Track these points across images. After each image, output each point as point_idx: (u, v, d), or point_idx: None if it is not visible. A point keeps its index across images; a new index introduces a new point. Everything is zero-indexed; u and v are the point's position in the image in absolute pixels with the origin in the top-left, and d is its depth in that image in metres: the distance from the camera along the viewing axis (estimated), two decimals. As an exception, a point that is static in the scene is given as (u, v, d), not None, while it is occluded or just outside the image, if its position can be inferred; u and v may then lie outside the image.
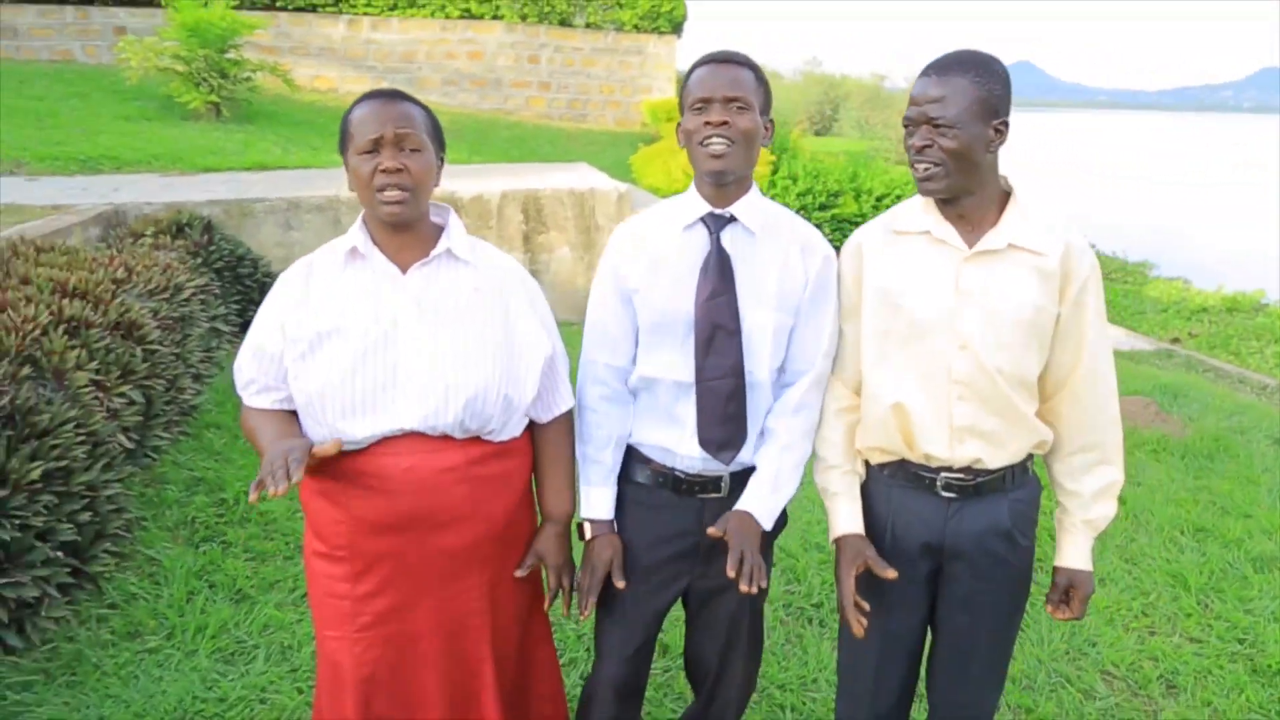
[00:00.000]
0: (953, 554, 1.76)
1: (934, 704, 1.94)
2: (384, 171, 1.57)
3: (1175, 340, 11.92)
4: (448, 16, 12.76)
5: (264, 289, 5.58)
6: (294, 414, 1.67)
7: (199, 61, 9.55)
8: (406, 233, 1.65)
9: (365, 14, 12.58)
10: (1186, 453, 4.73)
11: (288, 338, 1.61)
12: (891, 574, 1.71)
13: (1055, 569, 1.81)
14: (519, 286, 1.74)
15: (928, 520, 1.75)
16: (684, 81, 1.71)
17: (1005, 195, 1.70)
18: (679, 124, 1.74)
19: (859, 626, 1.71)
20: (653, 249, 1.76)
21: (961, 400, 1.68)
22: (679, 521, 1.80)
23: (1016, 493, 1.76)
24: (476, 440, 1.66)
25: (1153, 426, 5.02)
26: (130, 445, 3.33)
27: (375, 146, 1.57)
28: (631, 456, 1.85)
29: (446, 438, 1.62)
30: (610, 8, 13.45)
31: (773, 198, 8.95)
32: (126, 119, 9.06)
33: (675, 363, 1.74)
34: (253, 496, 1.39)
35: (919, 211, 1.72)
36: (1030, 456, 1.79)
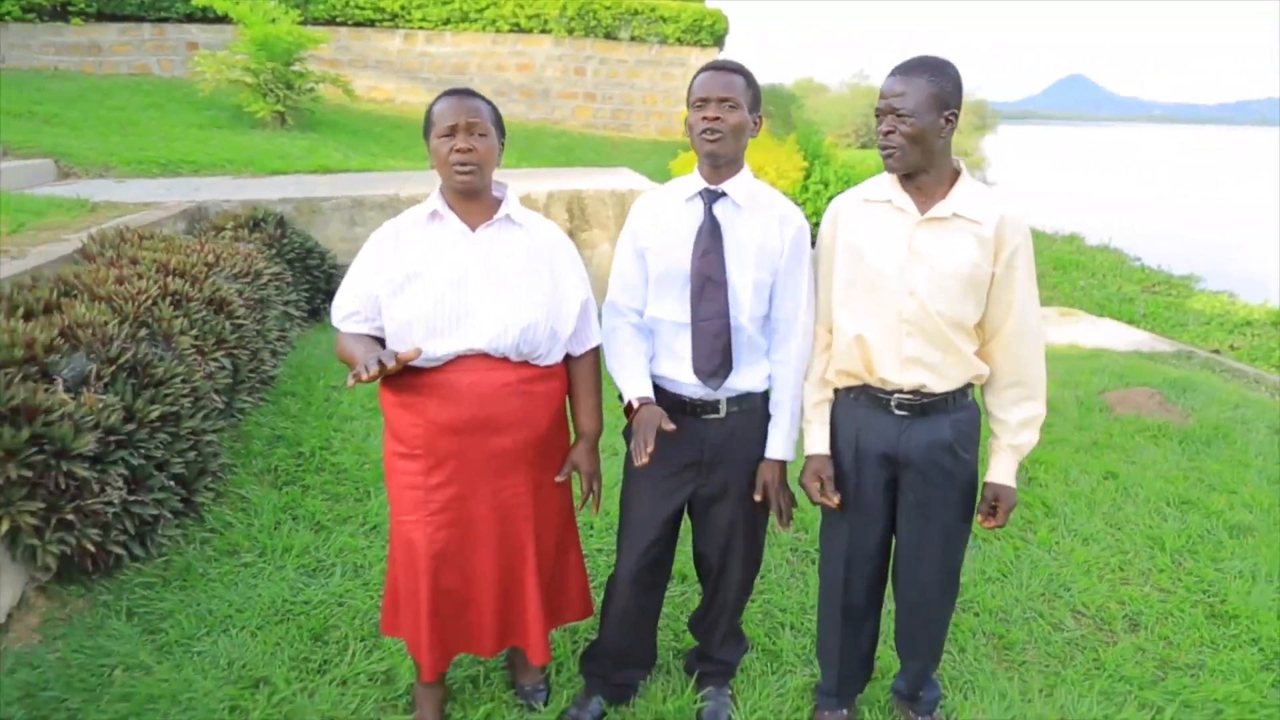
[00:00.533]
0: (905, 463, 2.18)
1: (898, 610, 2.34)
2: (458, 151, 2.04)
3: (1216, 351, 11.98)
4: (498, 30, 13.35)
5: (330, 279, 6.11)
6: (379, 340, 2.13)
7: (266, 74, 10.21)
8: (474, 200, 2.12)
9: (420, 28, 13.22)
10: (1185, 438, 5.01)
11: (382, 279, 2.08)
12: (834, 501, 2.22)
13: (985, 484, 2.22)
14: (561, 247, 2.21)
15: (885, 434, 2.18)
16: (691, 84, 2.15)
17: (955, 174, 2.10)
18: (686, 118, 2.18)
19: (833, 500, 2.21)
20: (661, 216, 2.22)
21: (909, 336, 2.10)
22: (685, 438, 2.22)
23: (957, 414, 2.17)
24: (526, 364, 2.11)
25: (1156, 415, 5.30)
26: (221, 405, 3.84)
27: (451, 131, 2.05)
28: None
29: (504, 360, 2.08)
30: (654, 21, 13.94)
31: (805, 201, 9.35)
32: (200, 127, 9.73)
33: (675, 307, 2.19)
34: (350, 382, 1.86)
35: (885, 185, 2.14)
36: (970, 386, 2.19)
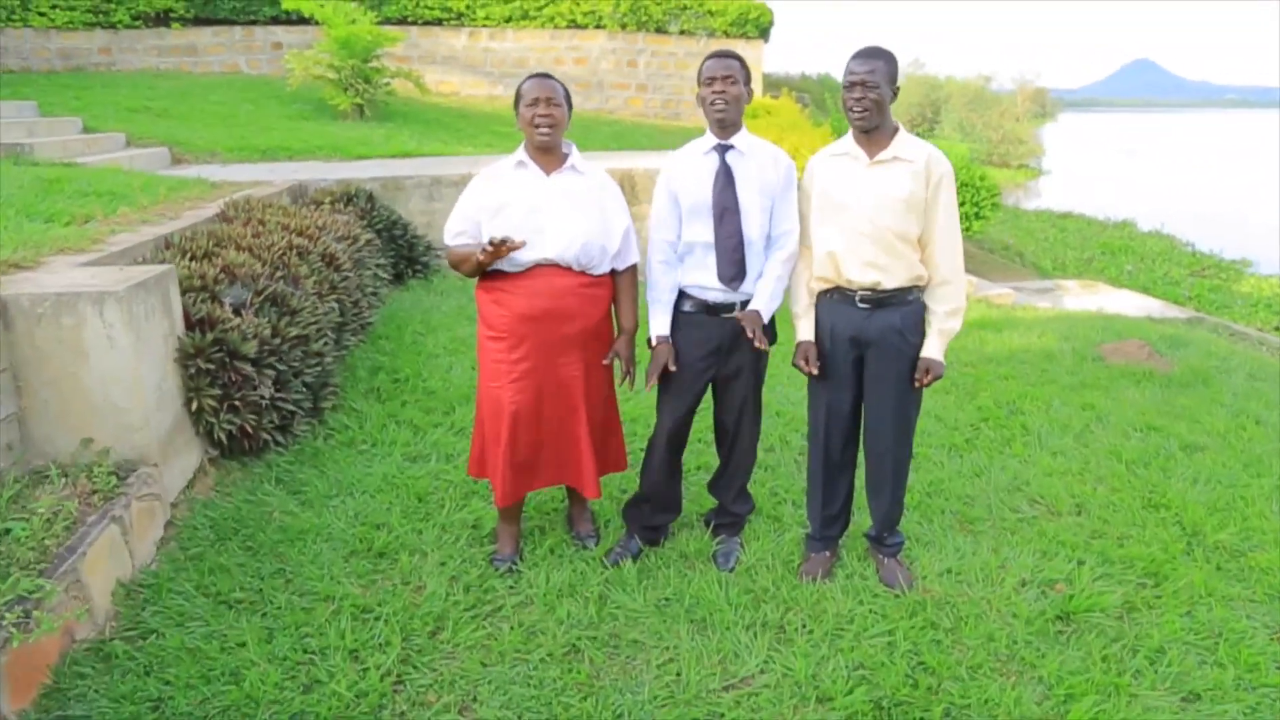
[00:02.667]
0: (867, 343, 2.94)
1: (867, 460, 3.10)
2: (540, 115, 2.84)
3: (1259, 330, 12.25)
4: (556, 27, 14.22)
5: (413, 247, 7.00)
6: None
7: (347, 70, 11.21)
8: (549, 154, 2.91)
9: (484, 25, 14.16)
10: (1168, 383, 5.58)
11: (482, 206, 2.89)
12: (814, 370, 2.97)
13: (921, 358, 2.94)
14: (610, 188, 3.01)
15: (852, 321, 2.94)
16: (700, 68, 2.93)
17: (895, 130, 2.84)
18: (699, 94, 2.95)
19: (814, 369, 2.98)
20: (686, 166, 2.99)
21: (867, 245, 2.83)
22: (710, 331, 3.00)
23: (905, 308, 2.91)
24: (584, 272, 2.92)
25: (1144, 364, 5.87)
26: (332, 341, 4.72)
27: (535, 102, 2.85)
28: (682, 295, 3.03)
29: (568, 268, 2.88)
30: (702, 15, 14.66)
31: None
32: (290, 118, 10.77)
33: (703, 230, 2.94)
34: (483, 256, 2.75)
35: (845, 142, 2.91)
36: (916, 288, 2.91)
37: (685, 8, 14.60)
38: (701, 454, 4.07)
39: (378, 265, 6.22)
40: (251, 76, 13.30)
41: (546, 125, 2.84)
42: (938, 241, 2.86)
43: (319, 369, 4.18)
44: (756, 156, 2.95)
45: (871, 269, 2.85)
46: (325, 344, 4.40)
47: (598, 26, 14.36)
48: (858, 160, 2.86)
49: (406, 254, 6.95)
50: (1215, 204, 26.18)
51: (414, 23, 13.97)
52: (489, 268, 2.85)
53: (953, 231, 2.87)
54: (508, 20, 14.17)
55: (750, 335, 2.90)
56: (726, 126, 2.91)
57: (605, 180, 3.01)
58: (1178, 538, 3.61)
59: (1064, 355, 6.05)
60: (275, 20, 13.43)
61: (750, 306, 2.98)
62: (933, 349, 2.93)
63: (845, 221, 2.86)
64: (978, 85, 36.44)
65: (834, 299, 2.97)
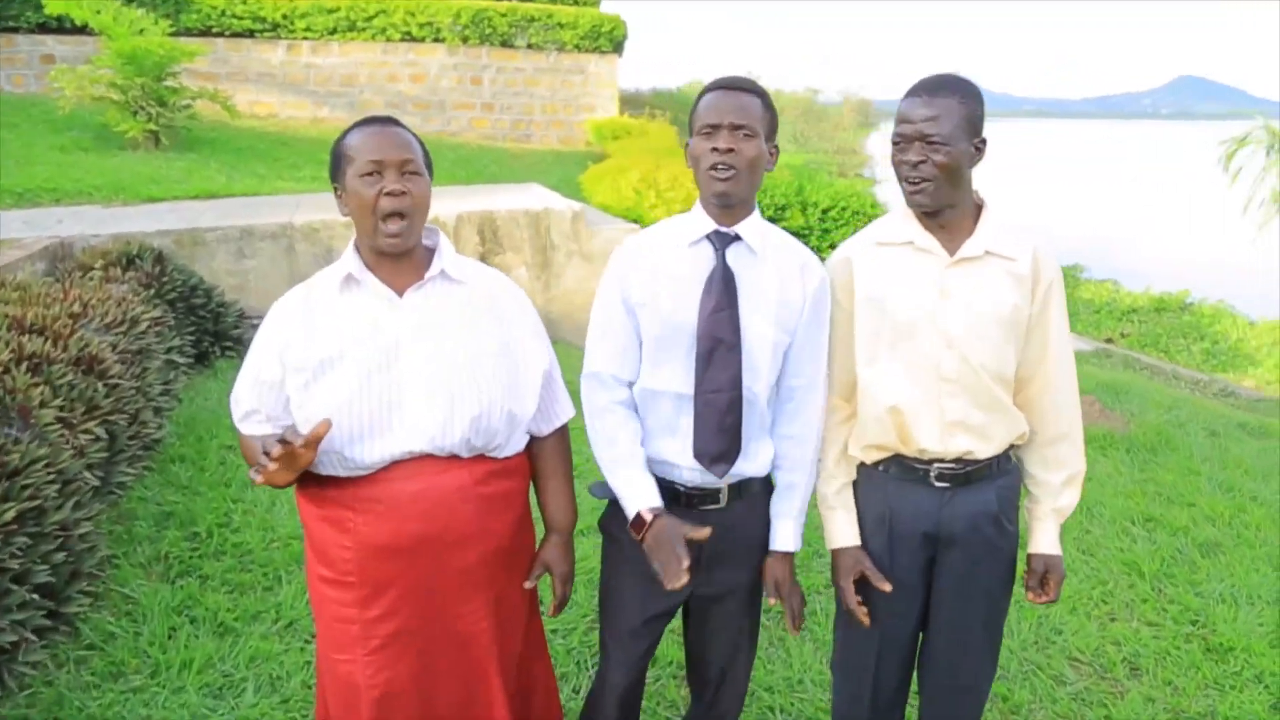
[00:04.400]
0: (948, 541, 1.89)
1: (930, 697, 2.04)
2: (389, 195, 1.61)
3: (1109, 340, 12.36)
4: (388, 39, 12.73)
5: (219, 318, 5.51)
6: None
7: (136, 90, 9.38)
8: (402, 258, 1.70)
9: (305, 38, 12.49)
10: (1131, 447, 4.96)
11: (288, 367, 1.65)
12: (887, 586, 1.85)
13: (1031, 556, 1.95)
14: (510, 299, 1.81)
15: (924, 509, 1.88)
16: (695, 106, 1.80)
17: (978, 207, 1.83)
18: (687, 144, 1.83)
19: (866, 619, 1.87)
20: (658, 263, 1.83)
21: (951, 396, 1.81)
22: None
23: (1001, 480, 1.91)
24: (481, 458, 1.71)
25: (1098, 423, 5.24)
26: (96, 482, 3.27)
27: (376, 170, 1.62)
28: None
29: (453, 457, 1.67)
30: (551, 28, 13.56)
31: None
32: (62, 149, 8.85)
33: (677, 375, 1.81)
34: (256, 478, 1.50)
35: (900, 224, 1.86)
36: (1013, 446, 1.91)
37: (533, 19, 13.45)
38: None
39: (170, 352, 4.72)
40: (14, 96, 11.08)
41: (397, 217, 1.63)
42: (1049, 378, 1.87)
43: (64, 554, 2.76)
44: (774, 259, 1.84)
45: (961, 432, 1.83)
46: (79, 504, 2.97)
47: (436, 40, 12.97)
48: (929, 255, 1.83)
49: (211, 328, 5.44)
50: (1033, 212, 27.57)
51: (220, 34, 12.12)
52: (301, 472, 1.59)
53: (1068, 362, 1.89)
54: (332, 32, 12.55)
55: (776, 597, 1.86)
56: (732, 206, 1.79)
57: (501, 288, 1.81)
58: (1268, 703, 2.81)
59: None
60: (44, 28, 11.28)
61: (776, 538, 1.90)
62: (1051, 540, 1.93)
63: (915, 356, 1.83)
64: (807, 98, 37.42)
65: (890, 474, 1.91)
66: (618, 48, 14.22)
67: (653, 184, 8.71)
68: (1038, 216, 25.73)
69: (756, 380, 1.81)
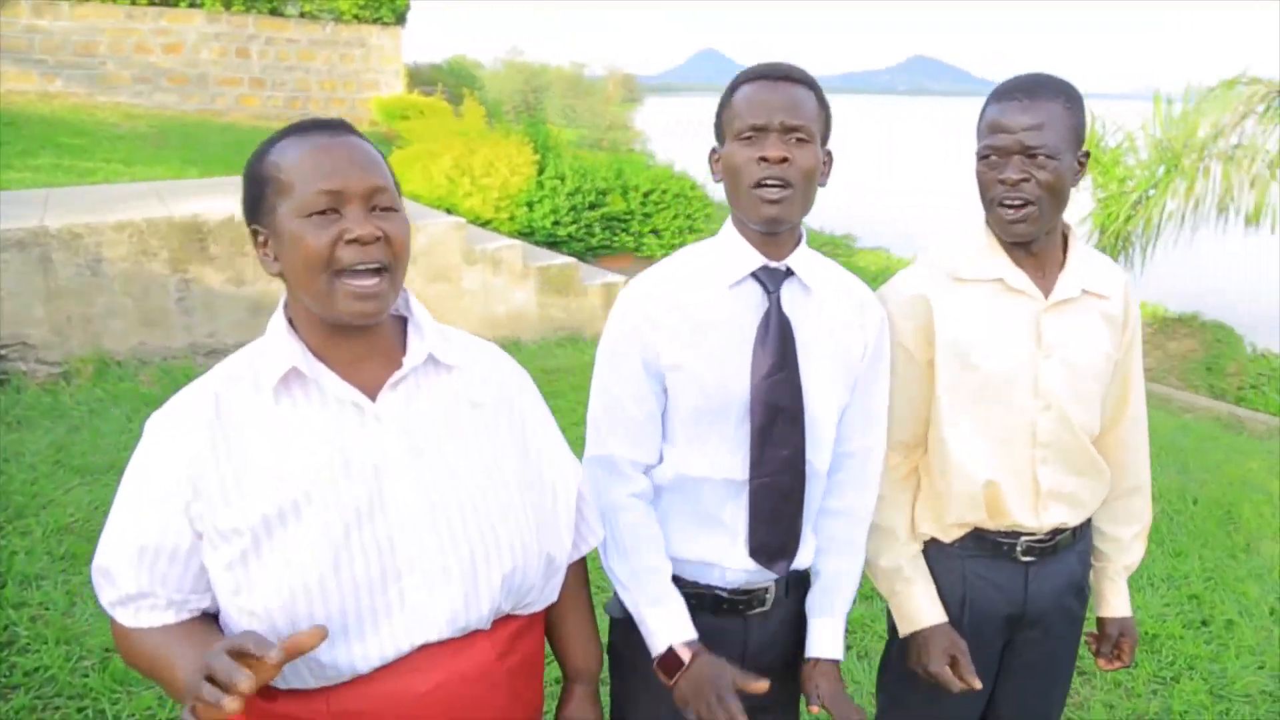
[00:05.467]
0: (1032, 620, 1.65)
1: None
2: (355, 244, 1.07)
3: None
4: (134, 3, 11.04)
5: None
6: (214, 618, 1.14)
7: None
8: (367, 333, 1.15)
9: (23, -2, 10.56)
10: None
11: (207, 529, 1.07)
12: (979, 684, 1.54)
13: (1105, 621, 1.76)
14: (519, 387, 1.29)
15: (1007, 589, 1.62)
16: (727, 100, 1.41)
17: (1064, 236, 1.58)
18: (714, 151, 1.44)
19: (973, 683, 1.54)
20: (693, 314, 1.42)
21: (1044, 464, 1.56)
22: (719, 650, 1.44)
23: (1081, 545, 1.70)
24: (507, 618, 1.23)
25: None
26: None
27: (333, 206, 1.08)
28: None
29: (474, 634, 1.17)
30: (326, -5, 12.35)
31: (541, 200, 8.59)
32: None
33: (724, 456, 1.42)
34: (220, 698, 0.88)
35: (982, 255, 1.55)
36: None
37: (304, -15, 12.18)
38: None
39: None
40: None
41: (369, 279, 1.09)
42: (1130, 429, 1.66)
43: None
44: (831, 296, 1.47)
45: (1055, 501, 1.57)
46: None
47: (193, 4, 11.42)
48: (1022, 297, 1.52)
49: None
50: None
51: (-94, -10, 9.99)
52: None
53: (1143, 405, 1.69)
54: (59, -9, 10.70)
55: (818, 704, 1.43)
56: (779, 233, 1.40)
57: (506, 372, 1.29)
58: (1196, 686, 2.85)
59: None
60: None
61: (822, 643, 1.50)
62: (1122, 601, 1.73)
63: (1008, 418, 1.53)
64: (573, 73, 37.39)
65: (967, 549, 1.61)
66: (400, 18, 13.18)
67: (467, 170, 8.05)
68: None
69: (819, 453, 1.46)
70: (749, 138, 1.35)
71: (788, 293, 1.43)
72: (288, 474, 1.07)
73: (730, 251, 1.43)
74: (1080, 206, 8.30)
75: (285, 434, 1.09)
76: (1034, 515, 1.57)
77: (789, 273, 1.43)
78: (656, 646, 1.39)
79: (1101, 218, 8.21)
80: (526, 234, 8.06)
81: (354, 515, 1.08)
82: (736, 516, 1.45)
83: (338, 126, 1.15)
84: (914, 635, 1.60)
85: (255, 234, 1.14)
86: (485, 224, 7.98)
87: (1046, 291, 1.53)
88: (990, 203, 1.48)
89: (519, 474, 1.20)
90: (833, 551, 1.55)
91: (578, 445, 1.38)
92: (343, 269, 1.07)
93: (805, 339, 1.43)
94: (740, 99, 1.38)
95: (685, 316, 1.41)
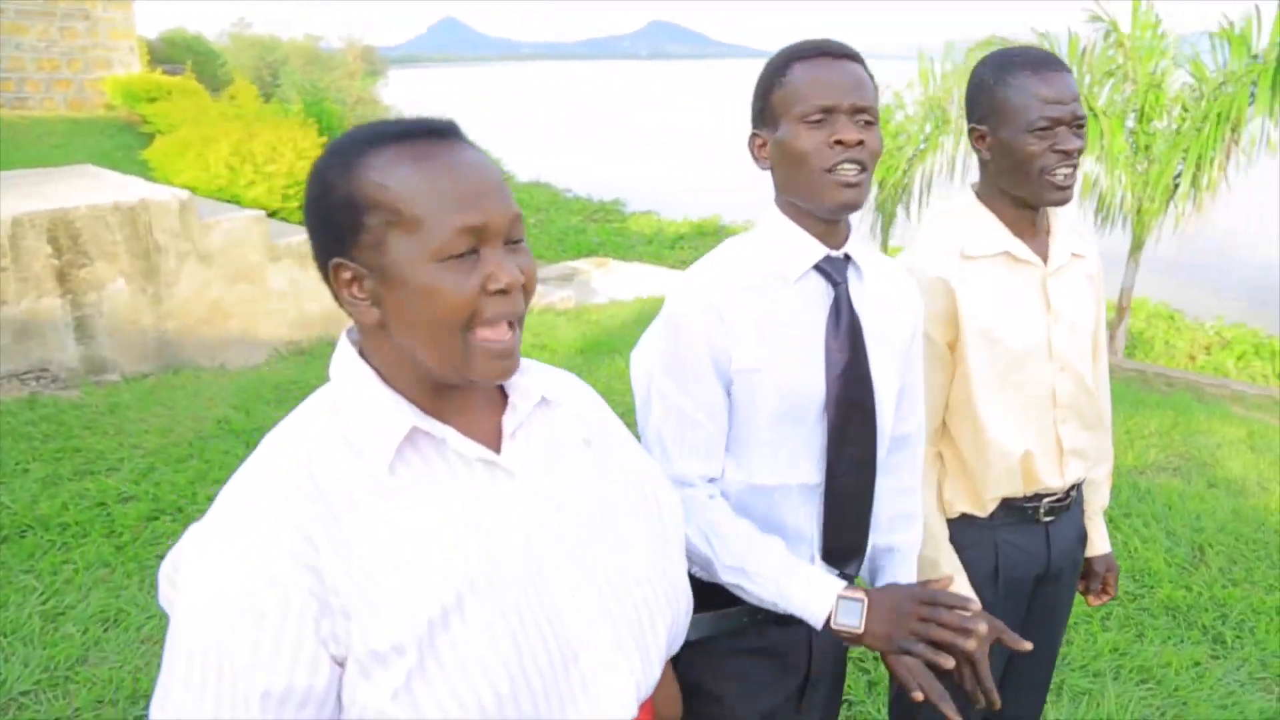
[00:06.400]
0: (1054, 575, 1.73)
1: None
2: (502, 294, 0.88)
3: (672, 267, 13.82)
4: None
5: None
6: None
7: None
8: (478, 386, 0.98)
9: None
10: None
11: (356, 650, 0.83)
12: (1027, 645, 1.27)
13: (1092, 559, 1.84)
14: (610, 415, 1.14)
15: (1032, 551, 1.69)
16: (776, 79, 1.33)
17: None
18: (757, 135, 1.37)
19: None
20: (763, 312, 1.34)
21: (1064, 424, 1.65)
22: (785, 661, 1.43)
23: (1078, 497, 1.79)
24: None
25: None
26: None
27: (475, 245, 0.87)
28: (713, 592, 1.40)
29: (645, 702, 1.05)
30: (36, -39, 10.88)
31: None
32: None
33: (802, 460, 1.37)
34: None
35: (988, 230, 1.59)
36: None
37: (7, -50, 10.65)
38: None
39: None
40: None
41: (505, 332, 0.89)
42: (1100, 372, 1.78)
43: None
44: (883, 279, 1.46)
45: (1074, 458, 1.67)
46: None
47: None
48: (1027, 267, 1.59)
49: None
50: (561, 152, 29.11)
51: None
52: None
53: (1106, 349, 1.82)
54: None
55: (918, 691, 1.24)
56: (840, 220, 1.37)
57: (592, 400, 1.13)
58: (1135, 680, 2.71)
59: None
60: None
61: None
62: (1103, 538, 1.85)
63: (1031, 386, 1.61)
64: (309, 45, 35.31)
65: (997, 519, 1.66)
66: (128, -11, 11.90)
67: (248, 157, 7.53)
68: (565, 156, 27.29)
69: (883, 446, 1.43)
70: (818, 120, 1.27)
71: (854, 284, 1.39)
72: (439, 560, 0.86)
73: (788, 243, 1.36)
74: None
75: (412, 509, 0.88)
76: (1059, 475, 1.64)
77: (849, 261, 1.38)
78: (817, 614, 1.26)
79: (880, 172, 8.97)
80: (321, 222, 7.67)
81: (522, 597, 0.90)
82: (809, 522, 1.40)
83: (449, 132, 0.92)
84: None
85: (339, 270, 0.89)
86: (274, 214, 7.54)
87: (1044, 258, 1.60)
88: (1035, 175, 1.51)
89: (642, 511, 1.07)
90: (896, 530, 1.53)
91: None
92: (491, 322, 0.88)
93: (868, 329, 1.38)
94: (800, 79, 1.29)
95: (755, 316, 1.34)
